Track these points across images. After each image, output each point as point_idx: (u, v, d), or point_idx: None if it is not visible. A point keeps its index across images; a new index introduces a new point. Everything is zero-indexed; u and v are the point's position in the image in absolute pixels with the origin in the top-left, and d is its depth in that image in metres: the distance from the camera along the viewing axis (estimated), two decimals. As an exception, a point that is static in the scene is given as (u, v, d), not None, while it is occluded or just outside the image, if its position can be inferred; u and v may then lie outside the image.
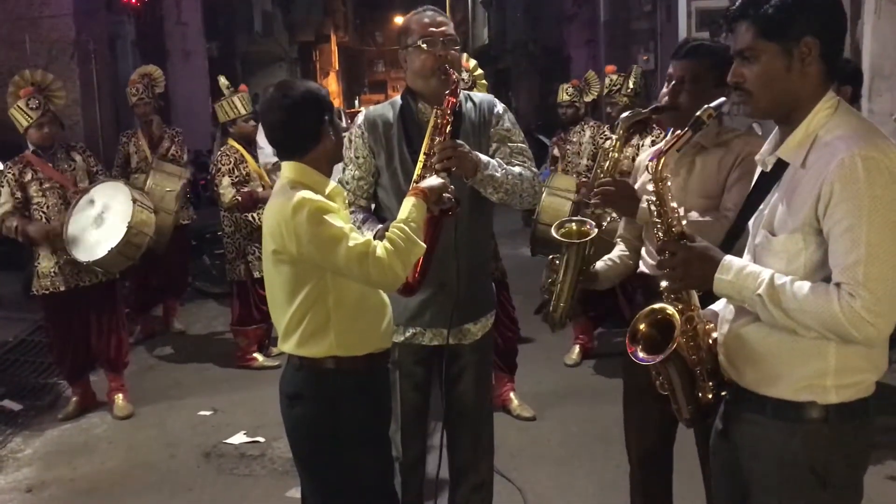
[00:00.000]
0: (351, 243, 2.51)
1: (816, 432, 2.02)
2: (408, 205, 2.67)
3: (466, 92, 3.22)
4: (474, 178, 2.93)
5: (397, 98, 3.19)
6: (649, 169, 2.20)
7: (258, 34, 24.29)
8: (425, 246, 2.66)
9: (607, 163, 3.00)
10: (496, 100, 3.23)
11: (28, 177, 5.09)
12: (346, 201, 2.89)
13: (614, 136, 3.03)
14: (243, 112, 6.13)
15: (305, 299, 2.61)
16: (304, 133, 2.65)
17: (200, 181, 9.90)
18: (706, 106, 2.20)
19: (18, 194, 5.06)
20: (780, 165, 2.08)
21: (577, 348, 6.00)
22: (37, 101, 5.05)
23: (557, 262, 2.95)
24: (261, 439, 4.89)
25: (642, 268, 3.06)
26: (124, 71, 11.78)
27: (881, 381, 2.08)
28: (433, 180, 2.75)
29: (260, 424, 5.04)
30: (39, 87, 5.16)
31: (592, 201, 2.99)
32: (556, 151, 6.83)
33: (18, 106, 5.05)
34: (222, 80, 6.38)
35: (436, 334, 3.14)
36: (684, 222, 2.17)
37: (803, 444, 2.03)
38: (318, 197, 2.58)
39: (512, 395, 5.09)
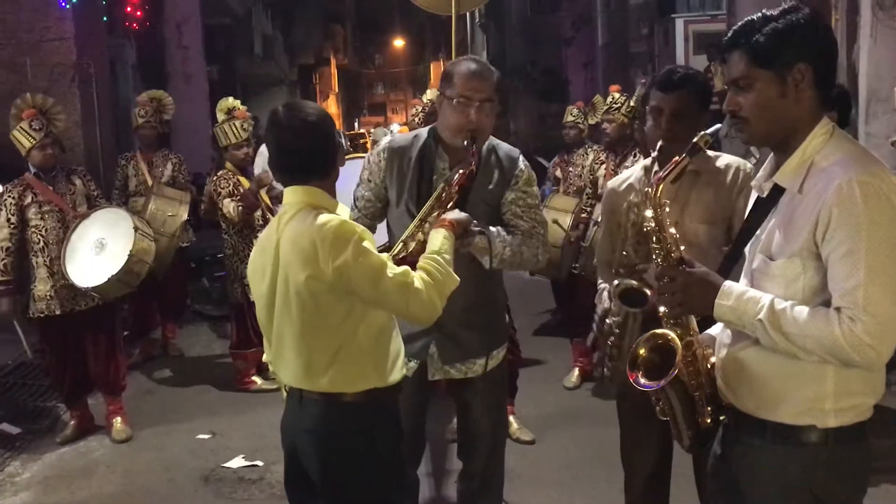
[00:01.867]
0: (390, 273, 2.43)
1: (816, 456, 2.03)
2: (438, 237, 2.62)
3: (494, 143, 3.16)
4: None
5: (423, 132, 3.16)
6: (647, 195, 2.21)
7: (258, 57, 24.47)
8: (458, 279, 2.59)
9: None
10: (520, 157, 3.17)
11: (28, 199, 5.09)
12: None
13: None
14: (236, 140, 6.07)
15: (336, 335, 2.49)
16: (325, 156, 2.56)
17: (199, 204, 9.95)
18: (702, 133, 2.22)
19: (15, 219, 5.06)
20: (777, 190, 2.09)
21: (576, 371, 5.99)
22: (40, 122, 5.07)
23: (616, 326, 2.90)
24: (259, 463, 4.86)
25: None
26: (125, 94, 11.86)
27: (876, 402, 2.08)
28: (457, 213, 2.73)
29: (258, 448, 5.02)
30: (40, 110, 5.19)
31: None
32: (557, 172, 6.86)
33: (21, 128, 5.06)
34: (228, 103, 6.29)
35: (438, 370, 3.14)
36: (682, 247, 2.18)
37: (803, 468, 2.04)
38: (352, 223, 2.50)
39: (511, 418, 5.07)
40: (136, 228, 5.14)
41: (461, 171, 2.88)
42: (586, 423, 5.22)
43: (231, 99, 6.34)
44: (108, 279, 4.98)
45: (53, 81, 8.99)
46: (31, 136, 5.04)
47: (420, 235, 2.80)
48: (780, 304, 1.98)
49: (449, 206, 2.83)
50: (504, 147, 3.17)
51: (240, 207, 5.81)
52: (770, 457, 2.08)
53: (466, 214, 2.75)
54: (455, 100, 2.94)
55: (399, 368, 2.66)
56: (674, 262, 2.15)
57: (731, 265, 2.21)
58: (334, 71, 40.65)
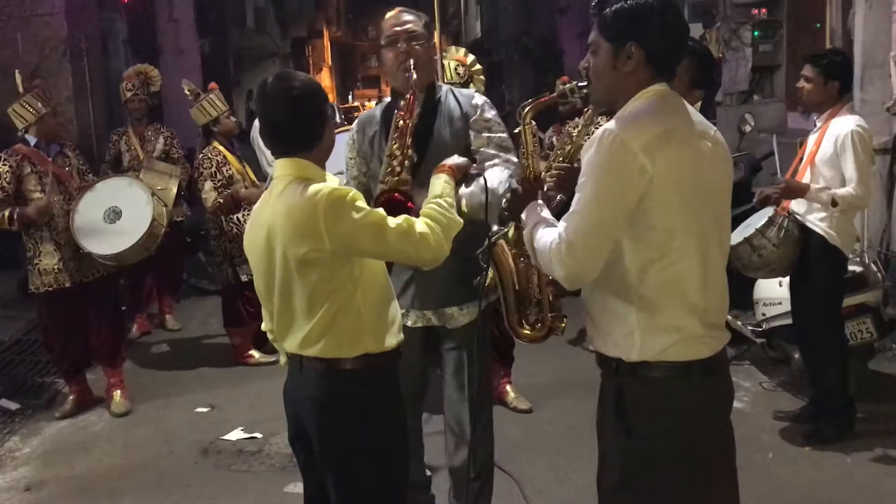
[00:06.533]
0: (392, 224, 2.45)
1: (624, 386, 2.27)
2: (439, 182, 2.65)
3: (449, 86, 3.30)
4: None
5: (388, 98, 3.29)
6: (518, 116, 2.61)
7: (251, 30, 24.22)
8: (461, 221, 2.63)
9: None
10: (477, 93, 3.33)
11: (27, 170, 5.08)
12: None
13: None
14: (223, 109, 6.09)
15: (335, 300, 2.49)
16: (312, 127, 2.55)
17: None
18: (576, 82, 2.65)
19: (10, 188, 5.04)
20: None
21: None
22: (44, 95, 5.11)
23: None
24: (258, 435, 4.89)
25: None
26: (116, 68, 11.74)
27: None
28: (456, 158, 2.78)
29: (257, 420, 5.05)
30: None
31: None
32: (555, 140, 6.87)
33: (25, 101, 5.08)
34: (190, 86, 6.27)
35: (419, 317, 3.20)
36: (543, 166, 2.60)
37: (614, 398, 2.29)
38: (342, 187, 2.49)
39: (508, 387, 5.10)
40: (152, 193, 5.22)
41: (407, 96, 2.99)
42: (583, 391, 5.21)
43: (190, 84, 6.27)
44: (133, 244, 5.04)
45: (44, 57, 8.93)
46: (34, 108, 5.09)
47: (395, 169, 2.84)
48: (540, 224, 2.32)
49: (409, 132, 2.89)
50: (462, 90, 3.35)
51: (219, 201, 5.79)
52: (603, 385, 2.37)
53: (466, 159, 2.80)
54: (385, 42, 3.11)
55: (395, 333, 2.67)
56: (531, 177, 2.59)
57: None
58: (327, 43, 40.38)
